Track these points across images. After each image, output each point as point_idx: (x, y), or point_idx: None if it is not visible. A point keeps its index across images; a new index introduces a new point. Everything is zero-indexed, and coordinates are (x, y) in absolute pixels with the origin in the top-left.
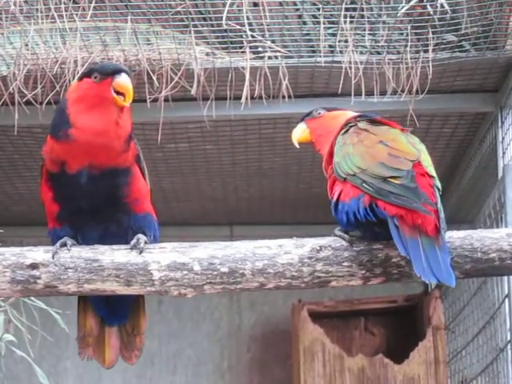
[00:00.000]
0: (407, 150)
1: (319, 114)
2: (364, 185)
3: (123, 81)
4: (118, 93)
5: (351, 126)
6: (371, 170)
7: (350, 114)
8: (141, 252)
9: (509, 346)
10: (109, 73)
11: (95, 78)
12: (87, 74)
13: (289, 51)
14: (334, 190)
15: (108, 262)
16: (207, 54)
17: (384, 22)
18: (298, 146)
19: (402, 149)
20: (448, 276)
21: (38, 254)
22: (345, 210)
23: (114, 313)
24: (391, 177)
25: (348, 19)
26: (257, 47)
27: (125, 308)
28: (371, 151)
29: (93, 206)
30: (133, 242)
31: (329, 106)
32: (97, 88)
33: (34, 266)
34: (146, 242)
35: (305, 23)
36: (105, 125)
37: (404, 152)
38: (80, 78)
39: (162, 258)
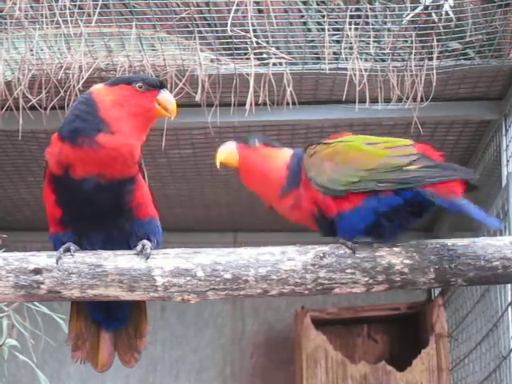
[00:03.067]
0: (395, 139)
1: (255, 145)
2: (380, 184)
3: (170, 96)
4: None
5: (315, 147)
6: (384, 164)
7: (288, 151)
8: (147, 258)
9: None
10: (156, 85)
11: (140, 87)
12: (126, 81)
13: (293, 58)
14: (331, 207)
15: (111, 268)
16: (212, 61)
17: (389, 30)
18: (218, 166)
19: (391, 140)
20: (497, 220)
21: (42, 259)
22: (359, 215)
23: (111, 318)
24: (409, 163)
25: (353, 26)
26: (261, 54)
27: (123, 313)
28: (365, 153)
29: (96, 211)
30: (139, 248)
31: (267, 139)
32: (141, 97)
33: (37, 271)
34: (151, 248)
35: (309, 30)
36: (141, 133)
37: (396, 141)
38: (113, 83)
39: (165, 263)
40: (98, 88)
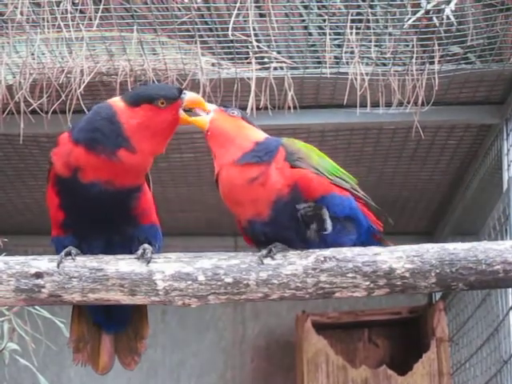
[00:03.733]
0: None
1: (233, 113)
2: (351, 188)
3: (193, 94)
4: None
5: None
6: (346, 175)
7: (263, 134)
8: (148, 262)
9: None
10: (176, 97)
11: (162, 103)
12: (148, 101)
13: (294, 62)
14: (322, 186)
15: (112, 272)
16: (213, 65)
17: (390, 34)
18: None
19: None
20: None
21: (43, 262)
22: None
23: (112, 320)
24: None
25: (354, 30)
26: (262, 58)
27: (124, 316)
28: (331, 162)
29: (100, 215)
30: (140, 252)
31: (248, 117)
32: (165, 113)
33: (38, 275)
34: (152, 253)
35: (310, 34)
36: (162, 146)
37: None
38: (135, 104)
39: (166, 267)
40: (120, 107)
